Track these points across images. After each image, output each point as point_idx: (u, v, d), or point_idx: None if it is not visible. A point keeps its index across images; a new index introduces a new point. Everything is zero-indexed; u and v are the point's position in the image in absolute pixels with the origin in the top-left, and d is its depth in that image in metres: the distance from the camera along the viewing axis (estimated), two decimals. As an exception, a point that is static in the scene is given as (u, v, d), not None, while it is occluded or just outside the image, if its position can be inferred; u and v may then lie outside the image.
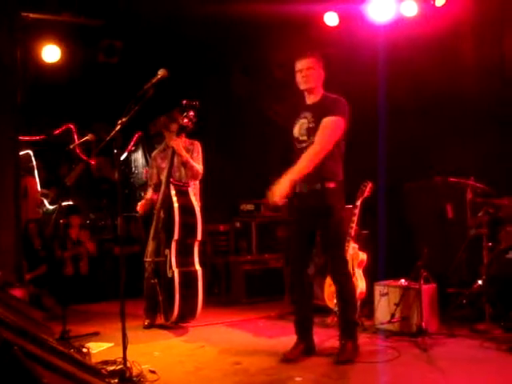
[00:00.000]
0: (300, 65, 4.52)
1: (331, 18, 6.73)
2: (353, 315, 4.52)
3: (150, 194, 5.99)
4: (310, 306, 4.63)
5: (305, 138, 4.46)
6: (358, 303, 5.37)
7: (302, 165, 4.28)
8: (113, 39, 7.77)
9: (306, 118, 4.50)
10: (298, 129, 4.52)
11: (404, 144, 6.25)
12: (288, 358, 4.33)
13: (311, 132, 4.41)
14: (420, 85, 6.13)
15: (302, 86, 4.52)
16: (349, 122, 4.40)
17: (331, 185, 4.39)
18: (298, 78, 4.52)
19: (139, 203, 5.98)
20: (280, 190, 4.19)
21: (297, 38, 6.54)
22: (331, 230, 4.43)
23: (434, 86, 5.99)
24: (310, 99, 4.56)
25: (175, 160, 5.68)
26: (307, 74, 4.47)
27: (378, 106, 6.21)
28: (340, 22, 6.71)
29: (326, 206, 4.37)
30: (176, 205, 5.49)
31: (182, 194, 5.60)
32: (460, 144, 5.76)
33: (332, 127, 4.34)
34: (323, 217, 4.40)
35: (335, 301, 5.38)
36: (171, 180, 5.61)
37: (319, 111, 4.42)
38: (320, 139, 4.32)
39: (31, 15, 6.92)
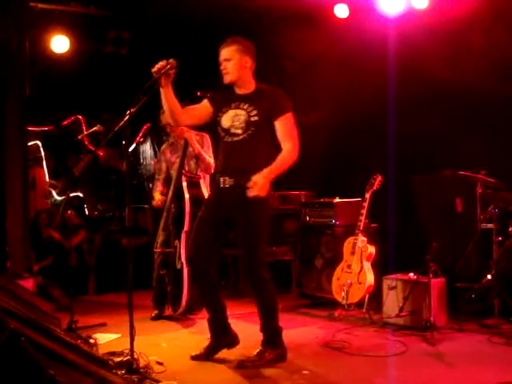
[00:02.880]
0: (219, 56, 4.14)
1: (341, 10, 6.67)
2: (277, 322, 4.17)
3: (160, 187, 5.94)
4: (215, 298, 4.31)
5: (239, 131, 4.08)
6: (367, 297, 5.37)
7: (282, 163, 4.00)
8: (121, 30, 7.74)
9: (242, 109, 4.11)
10: (230, 120, 4.12)
11: (414, 137, 6.20)
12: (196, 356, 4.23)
13: (252, 125, 4.06)
14: (431, 77, 6.07)
15: (224, 80, 4.15)
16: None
17: None
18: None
19: (157, 199, 5.84)
20: (264, 187, 3.87)
21: (307, 30, 6.49)
22: (249, 228, 4.07)
23: (444, 78, 5.93)
24: (240, 90, 4.19)
25: (187, 152, 5.64)
26: (226, 67, 4.12)
27: (388, 99, 6.17)
28: (350, 13, 6.65)
29: (251, 200, 3.93)
30: (187, 196, 5.49)
31: (194, 186, 5.60)
32: (471, 137, 5.71)
33: (294, 124, 4.11)
34: (244, 212, 4.04)
35: (343, 294, 5.38)
36: (183, 171, 5.59)
37: (263, 105, 4.07)
38: (291, 138, 4.05)
39: (39, 5, 6.93)
